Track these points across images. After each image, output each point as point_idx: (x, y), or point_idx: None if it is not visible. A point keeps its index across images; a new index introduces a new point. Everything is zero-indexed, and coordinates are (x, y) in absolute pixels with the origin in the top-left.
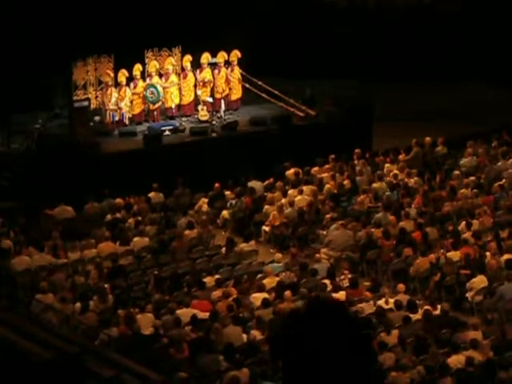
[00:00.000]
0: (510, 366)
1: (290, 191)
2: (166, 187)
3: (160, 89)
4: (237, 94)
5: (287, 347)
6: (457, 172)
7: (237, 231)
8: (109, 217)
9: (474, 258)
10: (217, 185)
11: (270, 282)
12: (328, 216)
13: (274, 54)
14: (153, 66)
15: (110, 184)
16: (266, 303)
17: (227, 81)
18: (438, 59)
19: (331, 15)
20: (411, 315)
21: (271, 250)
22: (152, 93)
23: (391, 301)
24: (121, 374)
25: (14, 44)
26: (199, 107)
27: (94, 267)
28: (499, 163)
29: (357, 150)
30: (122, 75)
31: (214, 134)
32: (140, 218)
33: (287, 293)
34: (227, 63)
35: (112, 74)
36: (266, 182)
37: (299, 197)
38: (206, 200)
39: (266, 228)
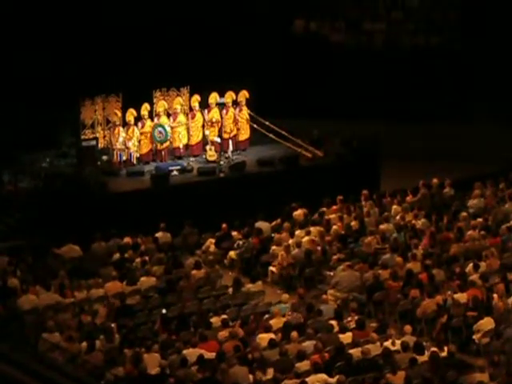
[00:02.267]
0: None
1: (297, 232)
2: (173, 227)
3: (168, 128)
4: (245, 134)
5: None
6: (464, 213)
7: (244, 271)
8: (116, 256)
9: (481, 300)
10: (224, 225)
11: (276, 322)
12: (335, 257)
13: (281, 95)
14: (161, 105)
15: (117, 223)
16: (272, 344)
17: (235, 121)
18: (445, 99)
19: (338, 55)
20: (418, 357)
21: (278, 291)
22: (160, 132)
23: (398, 342)
24: None
25: (23, 83)
26: (207, 147)
27: (103, 306)
28: (506, 205)
29: (364, 191)
30: (130, 115)
31: (221, 175)
32: (147, 258)
33: (294, 333)
34: (235, 103)
35: (120, 114)
36: (274, 223)
37: (306, 238)
38: (214, 240)
39: (273, 268)
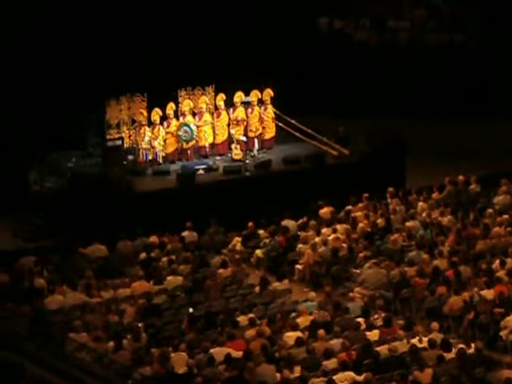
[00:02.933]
0: None
1: (324, 230)
2: (199, 226)
3: (194, 128)
4: (270, 132)
5: None
6: (490, 210)
7: (270, 270)
8: (143, 255)
9: (508, 297)
10: (250, 224)
11: (303, 320)
12: (361, 255)
13: (307, 93)
14: (186, 104)
15: (143, 223)
16: (299, 342)
17: (261, 119)
18: (472, 96)
19: (363, 53)
20: (445, 354)
21: (305, 289)
22: (186, 131)
23: (425, 339)
24: None
25: (48, 82)
26: (233, 146)
27: (130, 305)
28: None
29: (390, 189)
30: (156, 114)
31: (247, 173)
32: (174, 257)
33: (321, 331)
34: (260, 102)
35: (145, 113)
36: (300, 221)
37: (333, 235)
38: (240, 239)
39: (299, 267)
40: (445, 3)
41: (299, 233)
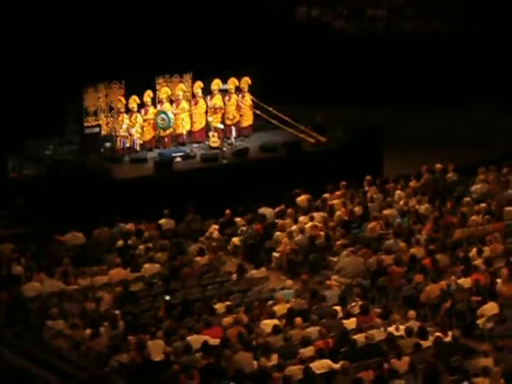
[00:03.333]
0: None
1: (301, 218)
2: (176, 214)
3: (171, 115)
4: (248, 120)
5: None
6: (468, 199)
7: (247, 258)
8: (120, 243)
9: (484, 285)
10: (227, 211)
11: (280, 308)
12: (339, 243)
13: (284, 81)
14: (164, 92)
15: (120, 210)
16: (276, 330)
17: (238, 107)
18: (448, 85)
19: (340, 42)
20: (422, 342)
21: (282, 277)
22: (163, 119)
23: (402, 327)
24: None
25: (26, 70)
26: (210, 134)
27: (107, 292)
28: (510, 190)
29: (367, 177)
30: (133, 101)
31: (224, 161)
32: (151, 245)
33: (298, 319)
34: (238, 90)
35: (123, 101)
36: (277, 209)
37: (310, 223)
38: (217, 227)
39: (276, 254)
40: None
41: (276, 221)
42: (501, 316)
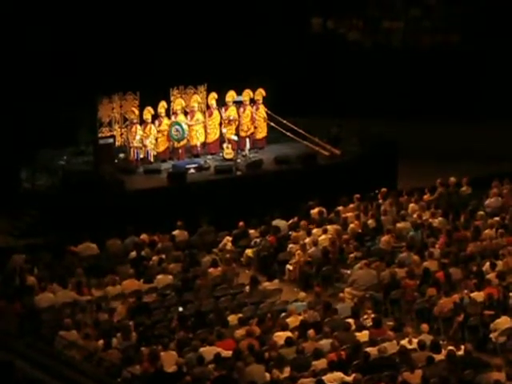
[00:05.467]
0: None
1: (315, 230)
2: (190, 225)
3: (185, 127)
4: (262, 132)
5: None
6: (481, 212)
7: (261, 270)
8: (133, 254)
9: (497, 299)
10: (241, 223)
11: (293, 320)
12: (352, 255)
13: (299, 93)
14: (178, 103)
15: (134, 221)
16: (289, 342)
17: (252, 119)
18: (464, 98)
19: (356, 54)
20: (435, 355)
21: (295, 289)
22: (177, 130)
23: (415, 341)
24: None
25: (41, 80)
26: (224, 145)
27: (120, 303)
28: None
29: (381, 190)
30: (148, 112)
31: (238, 173)
32: (164, 256)
33: (310, 332)
34: (252, 101)
35: (137, 112)
36: (291, 221)
37: (323, 236)
38: (231, 238)
39: (289, 267)
40: (439, 3)
41: (290, 233)
42: None
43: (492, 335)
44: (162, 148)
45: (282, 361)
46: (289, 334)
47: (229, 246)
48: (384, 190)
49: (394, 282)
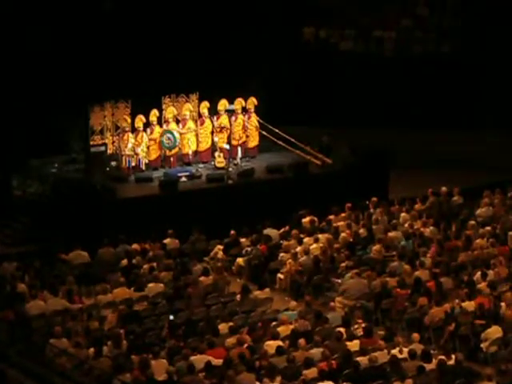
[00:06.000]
0: None
1: (306, 239)
2: (181, 233)
3: (177, 135)
4: (254, 141)
5: None
6: (472, 222)
7: (252, 278)
8: (124, 262)
9: (488, 309)
10: (232, 232)
11: (284, 329)
12: (343, 264)
13: (290, 102)
14: (170, 111)
15: (125, 229)
16: (280, 351)
17: (244, 128)
18: (455, 108)
19: (348, 63)
20: (425, 365)
21: (286, 298)
22: (169, 139)
23: (405, 350)
24: None
25: (32, 87)
26: (216, 154)
27: (111, 311)
28: None
29: (373, 199)
30: (139, 121)
31: (230, 181)
32: (155, 264)
33: (301, 341)
34: (244, 110)
35: (129, 120)
36: (282, 230)
37: (314, 245)
38: (222, 247)
39: (281, 276)
40: (431, 13)
41: (281, 242)
42: (504, 340)
43: (483, 345)
44: (153, 156)
45: (273, 370)
46: (279, 342)
47: (220, 254)
48: (374, 199)
49: (385, 291)
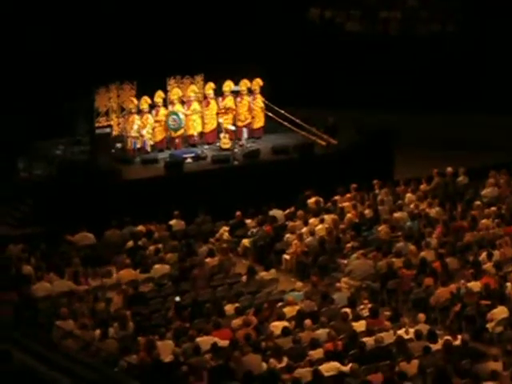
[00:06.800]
0: None
1: (311, 220)
2: (187, 215)
3: (182, 116)
4: (259, 122)
5: None
6: (478, 202)
7: (257, 259)
8: (130, 244)
9: (494, 289)
10: (238, 213)
11: (290, 310)
12: (349, 245)
13: (296, 83)
14: (175, 93)
15: (131, 211)
16: (286, 332)
17: (249, 109)
18: (461, 88)
19: (354, 44)
20: (431, 345)
21: (292, 279)
22: (174, 120)
23: (411, 331)
24: None
25: (37, 70)
26: (221, 135)
27: (116, 293)
28: None
29: (378, 180)
30: (145, 102)
31: (235, 162)
32: (161, 246)
33: (307, 321)
34: (250, 91)
35: (135, 101)
36: (287, 211)
37: (320, 226)
38: (227, 228)
39: (286, 256)
40: None
41: (287, 222)
42: (510, 320)
43: (489, 325)
44: (159, 138)
45: (279, 350)
46: (285, 323)
47: (225, 235)
48: (377, 181)
49: (391, 271)
